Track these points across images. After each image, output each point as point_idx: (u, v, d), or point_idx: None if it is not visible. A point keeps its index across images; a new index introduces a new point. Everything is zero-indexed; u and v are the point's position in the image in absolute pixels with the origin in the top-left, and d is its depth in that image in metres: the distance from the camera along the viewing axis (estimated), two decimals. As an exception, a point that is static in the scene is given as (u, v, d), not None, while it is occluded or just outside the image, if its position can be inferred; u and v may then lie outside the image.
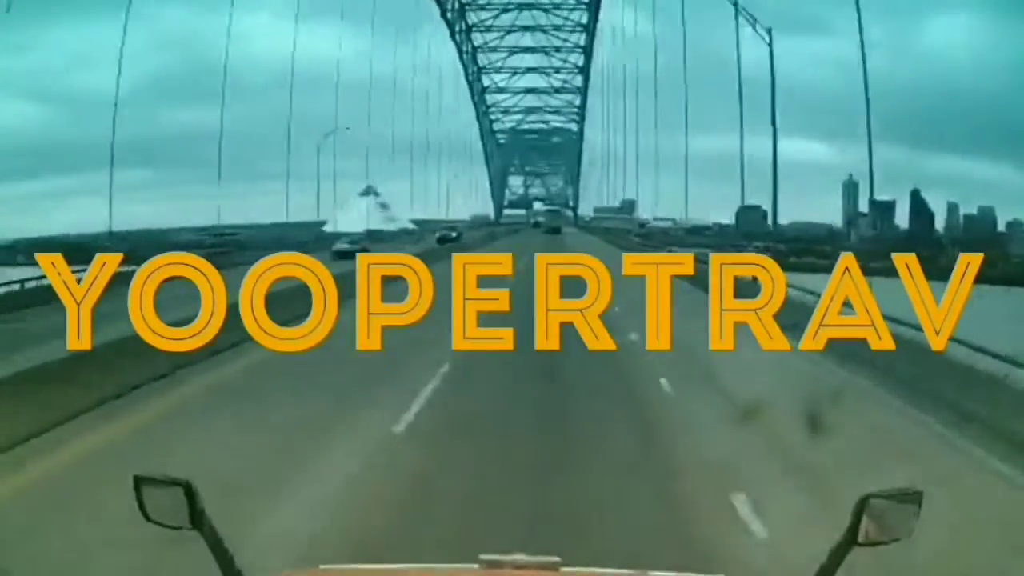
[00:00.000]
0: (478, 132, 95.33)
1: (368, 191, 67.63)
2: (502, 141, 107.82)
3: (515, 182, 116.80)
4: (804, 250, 47.94)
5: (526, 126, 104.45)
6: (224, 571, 1.77)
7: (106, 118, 49.66)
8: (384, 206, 68.30)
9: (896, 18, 64.56)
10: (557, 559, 1.83)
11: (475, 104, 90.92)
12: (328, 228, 58.73)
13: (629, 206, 78.19)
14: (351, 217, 61.83)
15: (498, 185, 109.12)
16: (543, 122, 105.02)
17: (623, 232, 61.14)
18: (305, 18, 58.31)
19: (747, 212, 59.32)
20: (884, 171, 56.88)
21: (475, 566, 1.81)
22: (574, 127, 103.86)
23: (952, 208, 56.83)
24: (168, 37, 58.92)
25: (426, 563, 2.34)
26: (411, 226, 67.79)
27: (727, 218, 61.91)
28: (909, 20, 63.40)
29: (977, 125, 48.80)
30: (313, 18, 65.12)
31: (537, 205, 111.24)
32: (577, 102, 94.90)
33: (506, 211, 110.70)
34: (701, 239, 53.75)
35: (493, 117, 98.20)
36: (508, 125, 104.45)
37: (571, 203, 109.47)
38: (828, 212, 60.58)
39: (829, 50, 66.51)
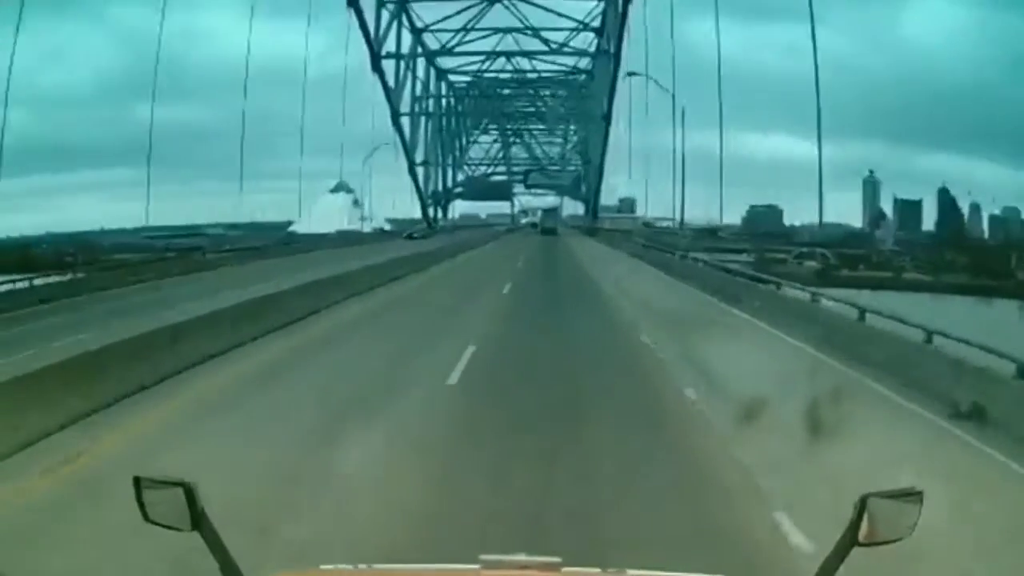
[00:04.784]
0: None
1: (339, 188, 66.65)
2: (461, 86, 74.74)
3: (476, 153, 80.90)
4: (855, 258, 46.70)
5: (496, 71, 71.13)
6: (224, 571, 1.93)
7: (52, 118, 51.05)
8: (357, 203, 67.35)
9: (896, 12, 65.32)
10: (558, 559, 1.99)
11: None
12: (298, 228, 58.72)
13: (629, 204, 75.55)
14: (320, 216, 61.63)
15: (439, 158, 73.60)
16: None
17: (626, 234, 59.26)
18: (258, 13, 58.35)
19: (760, 212, 59.00)
20: (900, 170, 57.48)
21: (476, 566, 1.97)
22: (585, 71, 69.61)
23: (974, 208, 56.83)
24: (116, 35, 59.19)
25: (428, 555, 2.52)
26: (387, 226, 67.65)
27: (729, 218, 61.42)
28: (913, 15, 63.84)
29: (991, 123, 49.20)
30: (267, 14, 65.90)
31: (524, 198, 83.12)
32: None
33: (463, 205, 79.57)
34: (720, 243, 52.14)
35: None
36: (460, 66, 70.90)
37: (583, 190, 76.69)
38: (843, 211, 60.38)
39: (842, 46, 66.75)
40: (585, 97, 70.74)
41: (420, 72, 68.23)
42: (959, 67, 52.65)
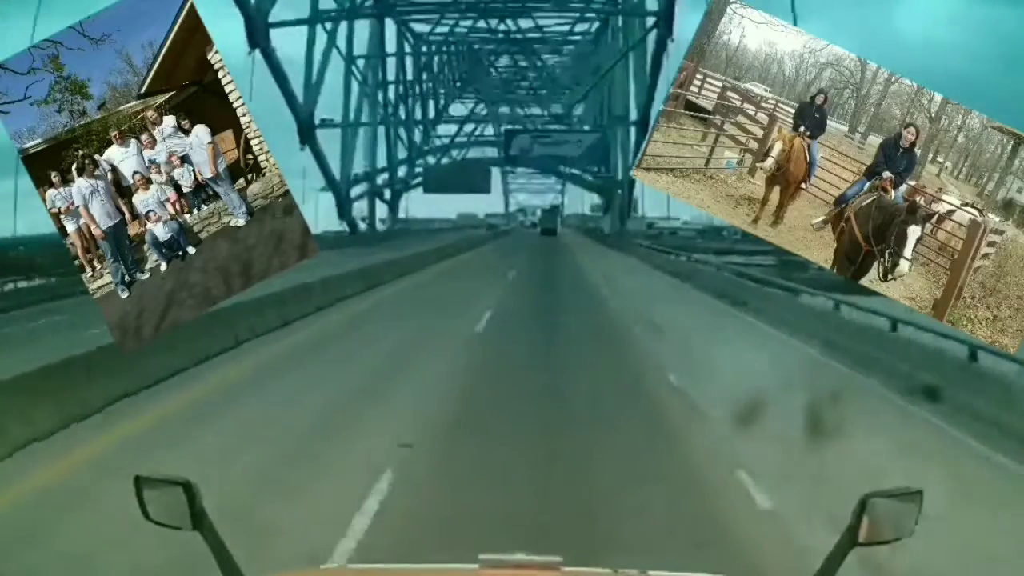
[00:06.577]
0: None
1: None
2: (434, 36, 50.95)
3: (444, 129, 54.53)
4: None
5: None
6: (224, 571, 1.99)
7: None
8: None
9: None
10: (558, 559, 2.04)
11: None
12: None
13: (632, 204, 72.57)
14: (310, 214, 60.21)
15: (376, 119, 48.65)
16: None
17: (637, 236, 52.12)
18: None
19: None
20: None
21: (475, 566, 2.02)
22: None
23: (987, 210, 56.38)
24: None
25: (427, 555, 2.58)
26: (381, 226, 67.15)
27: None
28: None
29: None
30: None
31: (521, 196, 74.43)
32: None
33: (461, 202, 56.51)
34: (739, 245, 48.71)
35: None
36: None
37: (603, 168, 50.95)
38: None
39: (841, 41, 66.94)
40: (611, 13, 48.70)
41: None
42: (958, 63, 52.94)
